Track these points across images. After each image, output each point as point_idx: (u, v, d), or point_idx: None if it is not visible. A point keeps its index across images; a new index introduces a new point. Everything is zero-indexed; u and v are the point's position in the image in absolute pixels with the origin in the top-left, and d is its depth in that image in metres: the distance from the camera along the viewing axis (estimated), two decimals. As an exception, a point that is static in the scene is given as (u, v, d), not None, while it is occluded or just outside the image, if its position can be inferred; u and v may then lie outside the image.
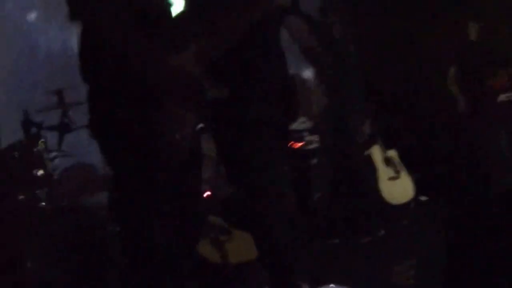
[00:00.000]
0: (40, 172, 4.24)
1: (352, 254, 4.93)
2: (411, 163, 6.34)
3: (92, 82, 2.29)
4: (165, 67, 2.21)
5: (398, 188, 5.98)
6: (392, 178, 5.94)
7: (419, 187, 6.21)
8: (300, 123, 6.20)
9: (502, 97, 6.38)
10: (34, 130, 4.46)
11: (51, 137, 5.11)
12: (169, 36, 2.36)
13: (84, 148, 5.32)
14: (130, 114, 2.20)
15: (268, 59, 3.41)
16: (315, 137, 6.17)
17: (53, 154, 4.81)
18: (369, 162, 5.97)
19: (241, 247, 4.62)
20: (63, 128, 4.82)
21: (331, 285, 3.32)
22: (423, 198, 6.35)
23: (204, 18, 2.65)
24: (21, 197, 4.11)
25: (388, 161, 6.03)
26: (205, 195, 5.22)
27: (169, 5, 2.48)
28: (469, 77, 6.42)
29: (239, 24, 2.78)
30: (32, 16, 6.32)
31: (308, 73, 6.06)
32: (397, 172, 6.03)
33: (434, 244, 4.79)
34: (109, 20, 2.16)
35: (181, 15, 2.53)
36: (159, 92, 2.20)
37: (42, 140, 4.42)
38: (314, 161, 6.16)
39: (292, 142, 5.96)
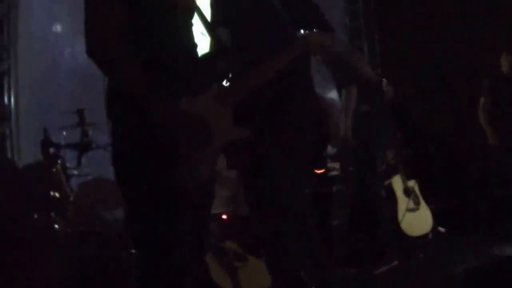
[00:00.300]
0: (57, 193, 4.25)
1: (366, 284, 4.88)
2: (432, 193, 6.31)
3: (114, 120, 2.33)
4: (181, 111, 2.24)
5: (417, 219, 5.92)
6: (411, 210, 5.88)
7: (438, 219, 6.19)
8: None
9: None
10: (53, 150, 4.46)
11: (70, 156, 5.15)
12: (191, 78, 2.38)
13: (102, 167, 5.34)
14: (149, 154, 2.22)
15: (300, 88, 3.44)
16: (336, 164, 6.14)
17: (71, 172, 4.83)
18: (390, 192, 5.94)
19: (255, 275, 4.61)
20: (83, 147, 4.82)
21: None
22: (441, 229, 6.30)
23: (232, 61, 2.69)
24: (36, 217, 4.10)
25: (408, 192, 5.98)
26: (223, 217, 5.22)
27: (194, 46, 2.49)
28: (499, 109, 6.31)
29: (269, 72, 2.87)
30: (58, 28, 6.36)
31: (332, 97, 6.02)
32: (417, 203, 5.97)
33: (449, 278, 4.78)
34: (126, 60, 2.19)
35: (206, 56, 2.56)
36: (177, 136, 2.21)
37: (59, 162, 4.43)
38: (335, 187, 6.15)
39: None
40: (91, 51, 2.18)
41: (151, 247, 2.28)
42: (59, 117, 5.13)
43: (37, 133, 4.70)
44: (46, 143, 4.47)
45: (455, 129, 7.78)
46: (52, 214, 4.20)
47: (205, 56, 2.54)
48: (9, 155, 5.56)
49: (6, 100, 5.88)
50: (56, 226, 4.13)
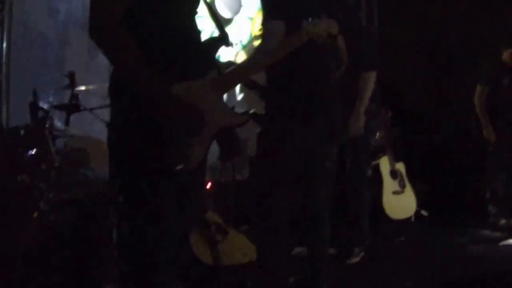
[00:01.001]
0: (42, 158, 4.25)
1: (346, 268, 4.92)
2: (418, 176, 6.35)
3: (113, 99, 2.40)
4: (175, 96, 2.30)
5: (401, 202, 5.96)
6: (396, 192, 5.91)
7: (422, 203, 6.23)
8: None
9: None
10: (41, 113, 4.44)
11: (59, 117, 5.15)
12: (189, 64, 2.42)
13: (90, 129, 5.35)
14: (143, 136, 2.28)
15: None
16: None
17: (59, 133, 4.82)
18: (376, 173, 5.94)
19: (234, 249, 4.68)
20: (71, 108, 4.81)
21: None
22: (424, 213, 6.35)
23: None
24: (20, 180, 4.09)
25: (395, 174, 5.99)
26: (207, 186, 5.24)
27: (196, 32, 2.54)
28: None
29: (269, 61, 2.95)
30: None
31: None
32: (403, 186, 5.98)
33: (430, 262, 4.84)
34: (126, 44, 2.24)
35: (205, 43, 2.57)
36: (170, 120, 2.29)
37: (47, 125, 4.42)
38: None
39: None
40: (93, 33, 2.23)
41: (135, 226, 2.33)
42: (49, 79, 5.09)
43: (27, 94, 4.68)
44: (34, 105, 4.46)
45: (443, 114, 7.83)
46: (36, 178, 4.20)
47: (204, 43, 2.56)
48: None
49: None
50: (39, 191, 4.13)
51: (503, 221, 6.09)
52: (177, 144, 2.30)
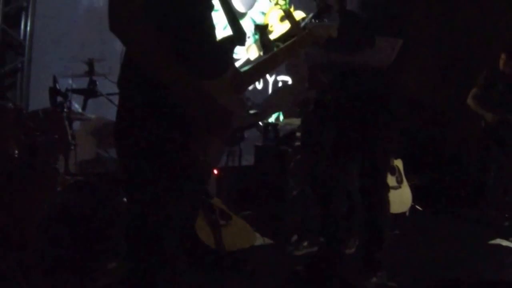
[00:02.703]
0: (60, 141, 4.45)
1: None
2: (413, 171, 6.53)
3: (124, 90, 2.39)
4: (202, 92, 2.27)
5: (397, 197, 6.03)
6: (393, 188, 5.99)
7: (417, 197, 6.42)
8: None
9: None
10: (59, 98, 4.64)
11: (76, 101, 5.38)
12: (209, 61, 2.42)
13: (105, 110, 5.54)
14: (161, 128, 2.27)
15: None
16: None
17: (76, 116, 5.03)
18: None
19: (236, 235, 4.82)
20: (89, 93, 5.05)
21: None
22: (418, 208, 6.54)
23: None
24: (38, 162, 4.24)
25: (393, 170, 6.13)
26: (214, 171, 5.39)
27: (213, 29, 2.52)
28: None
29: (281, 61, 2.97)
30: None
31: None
32: (400, 182, 6.16)
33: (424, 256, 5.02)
34: (149, 38, 2.19)
35: (223, 41, 2.59)
36: (191, 116, 2.27)
37: (66, 110, 4.63)
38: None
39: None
40: (114, 26, 2.19)
41: (145, 213, 2.33)
42: (69, 65, 5.27)
43: (47, 79, 4.85)
44: (54, 90, 4.65)
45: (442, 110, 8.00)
46: (53, 160, 4.42)
47: (221, 41, 2.55)
48: (18, 99, 5.72)
49: (21, 36, 6.03)
50: (56, 172, 4.33)
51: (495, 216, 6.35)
52: (198, 139, 2.31)
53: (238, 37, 2.62)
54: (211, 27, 2.49)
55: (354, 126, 4.16)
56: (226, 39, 2.59)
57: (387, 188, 4.39)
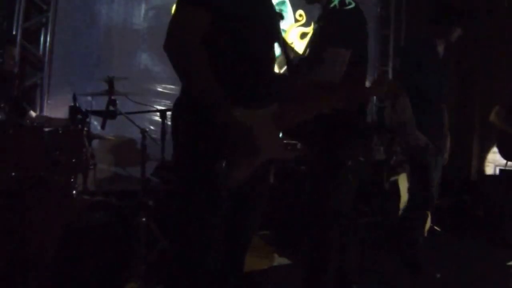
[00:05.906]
0: (79, 160, 4.43)
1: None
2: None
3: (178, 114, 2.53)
4: (237, 120, 2.33)
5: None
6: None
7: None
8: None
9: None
10: (80, 116, 4.63)
11: (95, 119, 5.38)
12: (259, 91, 2.51)
13: (123, 128, 5.54)
14: (201, 150, 2.42)
15: None
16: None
17: (95, 134, 5.02)
18: (394, 188, 6.08)
19: (254, 255, 4.82)
20: (108, 113, 5.01)
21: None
22: (437, 228, 6.46)
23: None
24: (57, 180, 4.19)
25: (412, 191, 6.04)
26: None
27: (270, 61, 2.61)
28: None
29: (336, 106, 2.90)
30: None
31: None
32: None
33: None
34: (200, 63, 2.31)
35: (277, 74, 2.69)
36: (227, 140, 2.35)
37: (85, 129, 4.62)
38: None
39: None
40: (169, 46, 2.31)
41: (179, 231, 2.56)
42: (88, 82, 5.28)
43: (66, 96, 4.87)
44: (74, 109, 4.64)
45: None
46: (72, 179, 4.38)
47: (276, 74, 2.63)
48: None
49: (41, 52, 6.05)
50: (75, 191, 4.31)
51: None
52: (225, 161, 2.37)
53: (291, 75, 2.71)
54: (268, 58, 2.59)
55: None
56: (279, 75, 2.71)
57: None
